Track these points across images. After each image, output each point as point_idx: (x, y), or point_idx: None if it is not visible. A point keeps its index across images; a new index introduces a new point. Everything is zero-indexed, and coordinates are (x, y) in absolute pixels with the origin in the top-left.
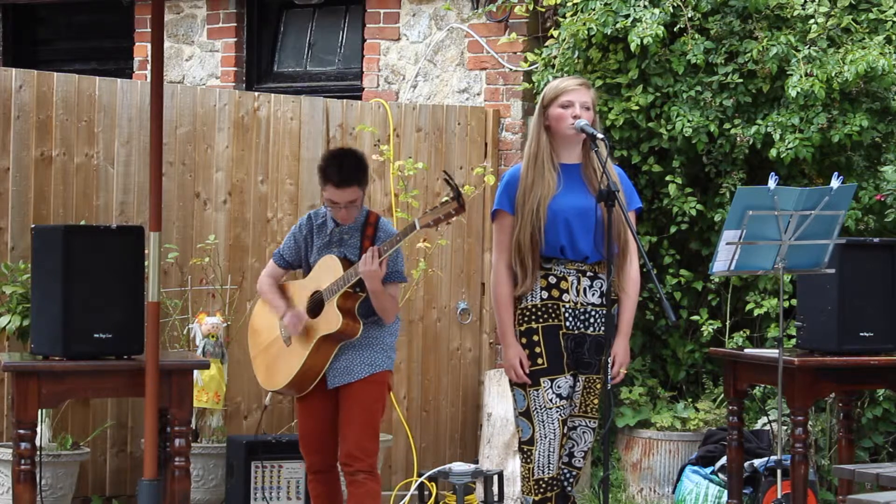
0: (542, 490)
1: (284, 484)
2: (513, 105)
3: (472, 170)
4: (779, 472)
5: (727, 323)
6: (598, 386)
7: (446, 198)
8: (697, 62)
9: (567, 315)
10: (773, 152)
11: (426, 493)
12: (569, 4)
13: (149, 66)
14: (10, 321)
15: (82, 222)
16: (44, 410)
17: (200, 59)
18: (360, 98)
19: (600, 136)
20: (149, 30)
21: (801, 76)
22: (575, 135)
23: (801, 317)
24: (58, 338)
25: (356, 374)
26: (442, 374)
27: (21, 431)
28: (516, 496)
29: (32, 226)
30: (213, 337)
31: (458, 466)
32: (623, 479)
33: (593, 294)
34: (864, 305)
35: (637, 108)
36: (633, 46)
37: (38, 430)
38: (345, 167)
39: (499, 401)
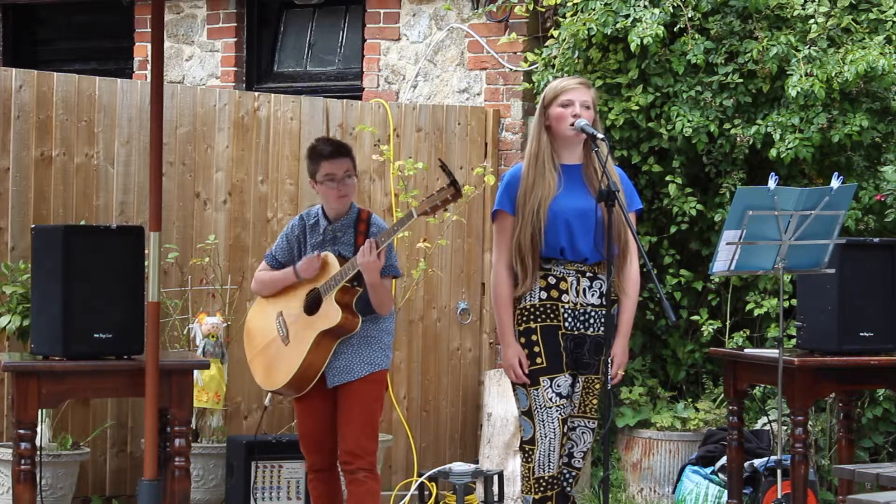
0: (542, 489)
1: (284, 484)
2: (513, 105)
3: (472, 170)
4: (779, 472)
5: (727, 323)
6: (598, 386)
7: (443, 185)
8: (697, 62)
9: (566, 315)
10: (773, 152)
11: (426, 493)
12: (569, 4)
13: (149, 66)
14: (10, 321)
15: (82, 222)
16: (44, 410)
17: (200, 59)
18: (360, 98)
19: (600, 136)
20: (149, 30)
21: (801, 76)
22: (575, 135)
23: (801, 317)
24: (58, 338)
25: (356, 373)
26: (442, 374)
27: (21, 431)
28: (516, 496)
29: (32, 226)
30: (213, 337)
31: (458, 466)
32: (623, 479)
33: (593, 294)
34: (864, 305)
35: (637, 108)
36: (633, 46)
37: (38, 430)
38: (331, 141)
39: (499, 401)
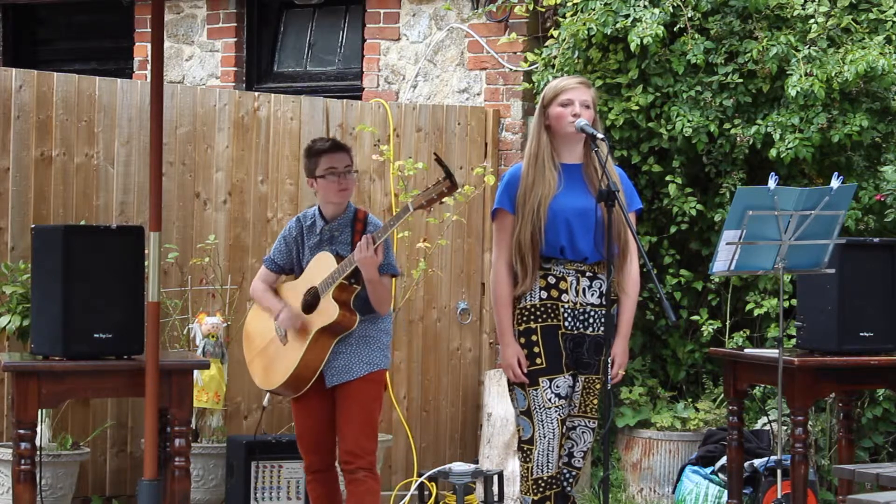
0: (540, 489)
1: (284, 484)
2: (513, 105)
3: (472, 170)
4: (779, 472)
5: (727, 323)
6: (598, 386)
7: (438, 179)
8: (697, 62)
9: (566, 315)
10: (773, 152)
11: (426, 493)
12: (569, 4)
13: (149, 66)
14: (10, 321)
15: (82, 222)
16: (44, 410)
17: (200, 59)
18: (360, 98)
19: (600, 135)
20: (149, 30)
21: (801, 76)
22: (575, 134)
23: (801, 317)
24: (58, 338)
25: (355, 373)
26: (442, 374)
27: (21, 431)
28: (516, 496)
29: (32, 226)
30: (213, 337)
31: (458, 466)
32: (623, 479)
33: (592, 294)
34: (864, 305)
35: (637, 108)
36: (633, 46)
37: (38, 430)
38: (329, 139)
39: (499, 401)
